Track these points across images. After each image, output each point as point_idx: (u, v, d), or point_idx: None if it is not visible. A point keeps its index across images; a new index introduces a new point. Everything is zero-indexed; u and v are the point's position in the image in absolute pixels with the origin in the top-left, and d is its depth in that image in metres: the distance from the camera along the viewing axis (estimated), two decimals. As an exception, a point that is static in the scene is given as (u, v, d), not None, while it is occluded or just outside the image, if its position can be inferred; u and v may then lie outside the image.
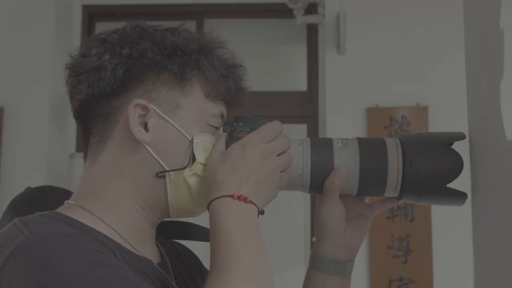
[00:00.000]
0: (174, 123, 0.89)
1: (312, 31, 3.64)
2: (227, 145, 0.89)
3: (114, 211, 0.88)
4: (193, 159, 0.89)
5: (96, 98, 0.89)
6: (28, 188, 1.72)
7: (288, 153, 0.91)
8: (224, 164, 0.87)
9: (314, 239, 3.29)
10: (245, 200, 0.84)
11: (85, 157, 0.94)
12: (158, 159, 0.88)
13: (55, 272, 0.72)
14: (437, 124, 3.17)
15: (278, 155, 0.89)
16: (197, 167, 0.89)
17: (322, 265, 0.99)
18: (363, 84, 3.27)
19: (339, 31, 3.21)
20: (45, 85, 3.26)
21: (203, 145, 0.90)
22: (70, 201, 0.90)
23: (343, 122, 3.23)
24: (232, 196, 0.84)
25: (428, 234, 3.13)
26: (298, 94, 3.65)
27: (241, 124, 0.92)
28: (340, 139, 0.94)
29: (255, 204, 0.85)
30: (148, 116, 0.88)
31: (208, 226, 0.86)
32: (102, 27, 3.71)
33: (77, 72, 0.90)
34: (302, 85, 3.67)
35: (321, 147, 0.92)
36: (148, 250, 0.92)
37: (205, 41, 0.92)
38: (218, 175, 0.86)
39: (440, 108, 3.21)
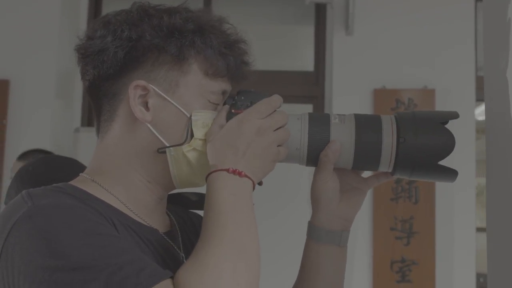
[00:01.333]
0: (173, 101, 0.93)
1: (320, 11, 3.61)
2: (227, 119, 0.93)
3: (122, 185, 0.94)
4: (191, 135, 0.93)
5: (101, 79, 0.94)
6: (35, 151, 1.73)
7: (285, 128, 0.93)
8: (222, 138, 0.91)
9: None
10: (239, 174, 0.88)
11: (97, 134, 0.99)
12: (159, 136, 0.93)
13: (51, 239, 0.78)
14: (444, 107, 3.16)
15: (275, 130, 0.92)
16: (196, 143, 0.93)
17: (317, 234, 1.03)
18: (371, 66, 3.25)
19: (348, 12, 3.18)
20: (51, 59, 3.25)
21: (203, 121, 0.94)
22: (84, 174, 0.97)
23: (349, 103, 3.22)
24: (227, 170, 0.87)
25: (431, 216, 3.13)
26: (304, 74, 3.64)
27: (242, 98, 0.95)
28: (338, 114, 0.98)
29: (250, 178, 0.89)
30: (148, 96, 0.93)
31: None
32: (109, 4, 3.70)
33: (83, 54, 0.95)
34: (309, 65, 3.65)
35: (319, 122, 0.96)
36: (156, 221, 0.97)
37: (203, 20, 0.95)
38: (216, 149, 0.90)
39: (446, 91, 3.20)
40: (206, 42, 0.93)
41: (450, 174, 0.93)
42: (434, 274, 3.12)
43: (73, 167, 1.72)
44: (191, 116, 0.93)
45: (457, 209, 3.19)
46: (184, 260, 0.95)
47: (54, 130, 3.25)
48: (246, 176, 0.88)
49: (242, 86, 0.99)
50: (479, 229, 3.22)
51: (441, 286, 3.14)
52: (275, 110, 0.93)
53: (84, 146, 3.16)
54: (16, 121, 3.19)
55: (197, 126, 0.93)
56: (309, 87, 3.54)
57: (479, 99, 3.35)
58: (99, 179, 0.94)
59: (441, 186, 3.15)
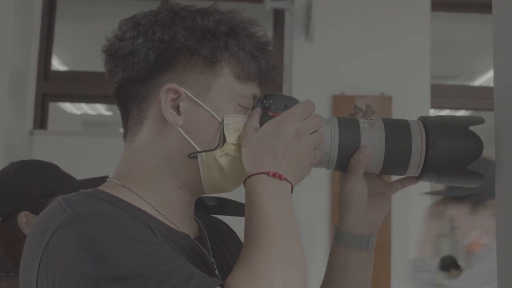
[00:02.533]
0: (205, 105, 0.91)
1: (278, 17, 3.62)
2: (261, 123, 0.92)
3: (152, 190, 0.93)
4: (223, 140, 0.92)
5: (131, 82, 0.92)
6: (12, 163, 1.69)
7: (320, 131, 0.93)
8: (259, 141, 0.90)
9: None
10: (280, 177, 0.87)
11: (124, 137, 0.97)
12: (190, 141, 0.92)
13: (93, 247, 0.75)
14: (401, 114, 3.21)
15: (311, 133, 0.91)
16: (228, 147, 0.92)
17: (346, 240, 1.02)
18: (330, 72, 3.28)
19: (308, 18, 3.20)
20: (3, 60, 3.16)
21: (234, 125, 0.92)
22: (113, 179, 0.94)
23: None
24: (267, 173, 0.87)
25: (387, 229, 3.17)
26: (263, 79, 3.64)
27: (271, 101, 0.94)
28: (366, 119, 0.98)
29: (289, 181, 0.88)
30: (180, 100, 0.91)
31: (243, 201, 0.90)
32: (63, 3, 3.62)
33: (112, 56, 0.93)
34: (267, 70, 3.65)
35: (348, 127, 0.96)
36: (186, 226, 0.96)
37: (235, 22, 0.94)
38: (253, 152, 0.89)
39: (403, 98, 3.25)
40: (239, 44, 0.92)
41: (477, 178, 0.94)
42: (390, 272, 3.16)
43: (55, 171, 1.68)
44: (223, 120, 0.91)
45: (412, 215, 3.24)
46: (215, 266, 0.95)
47: (7, 133, 3.16)
48: (285, 179, 0.87)
49: (270, 87, 0.98)
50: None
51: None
52: (310, 114, 0.93)
53: (38, 149, 3.08)
54: (-33, 123, 3.09)
55: (229, 130, 0.92)
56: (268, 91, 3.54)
57: (434, 107, 3.42)
58: (129, 184, 0.92)
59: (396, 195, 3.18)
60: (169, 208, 0.93)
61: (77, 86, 3.60)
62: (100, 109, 6.53)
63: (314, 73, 3.29)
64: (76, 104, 6.25)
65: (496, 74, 0.95)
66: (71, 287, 0.75)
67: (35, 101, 3.46)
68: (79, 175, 2.79)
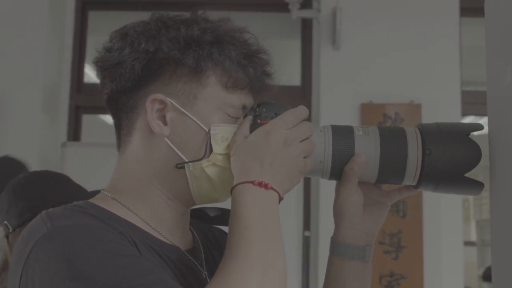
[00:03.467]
0: (191, 115, 0.91)
1: (306, 26, 3.63)
2: (251, 131, 0.91)
3: (141, 202, 0.92)
4: (210, 149, 0.91)
5: (119, 92, 0.92)
6: (25, 172, 1.72)
7: (311, 139, 0.91)
8: (246, 149, 0.88)
9: (306, 233, 3.31)
10: (265, 186, 0.85)
11: (118, 148, 0.97)
12: (177, 151, 0.91)
13: (71, 261, 0.75)
14: (430, 121, 3.16)
15: (301, 141, 0.90)
16: (215, 158, 0.91)
17: (342, 250, 1.00)
18: (358, 80, 3.26)
19: (334, 26, 3.20)
20: (37, 74, 3.24)
21: (222, 135, 0.91)
22: (105, 192, 0.94)
23: (336, 118, 3.23)
24: (253, 182, 0.85)
25: (419, 230, 3.14)
26: (291, 89, 3.65)
27: (264, 110, 0.93)
28: (361, 127, 0.96)
29: (276, 191, 0.86)
30: (166, 110, 0.91)
31: None
32: (95, 16, 3.70)
33: (101, 67, 0.94)
34: (295, 80, 3.66)
35: (342, 134, 0.94)
36: (177, 237, 0.95)
37: (221, 31, 0.93)
38: (241, 161, 0.88)
39: (433, 105, 3.21)
40: (225, 53, 0.91)
41: (476, 186, 0.91)
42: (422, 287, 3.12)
43: (66, 183, 1.71)
44: (209, 130, 0.90)
45: (445, 223, 3.20)
46: (207, 278, 0.94)
47: (41, 145, 3.23)
48: (272, 188, 0.85)
49: (265, 96, 0.97)
50: (466, 243, 3.23)
51: (429, 300, 3.14)
52: (300, 121, 0.91)
53: (70, 161, 3.13)
54: (2, 137, 3.17)
55: (216, 140, 0.91)
56: (296, 101, 3.53)
57: (465, 114, 3.37)
58: (120, 197, 0.92)
59: (428, 200, 3.15)
60: (159, 220, 0.92)
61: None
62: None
63: (342, 81, 3.28)
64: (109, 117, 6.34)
65: (489, 78, 0.94)
66: None
67: (68, 113, 3.53)
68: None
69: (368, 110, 3.21)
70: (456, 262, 3.20)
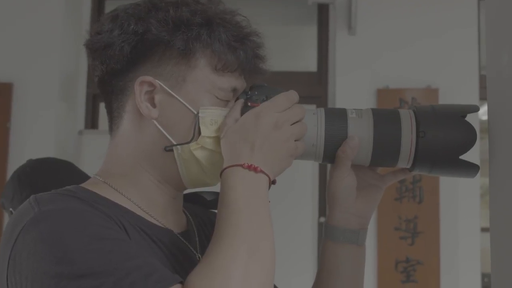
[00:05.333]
0: (180, 97, 0.90)
1: (323, 11, 3.61)
2: (242, 113, 0.90)
3: (133, 185, 0.92)
4: (199, 132, 0.90)
5: (109, 75, 0.92)
6: (30, 160, 1.74)
7: (303, 122, 0.90)
8: (236, 132, 0.87)
9: (322, 219, 3.31)
10: (255, 169, 0.84)
11: (110, 132, 0.96)
12: (165, 133, 0.90)
13: (56, 245, 0.76)
14: (447, 107, 3.15)
15: (292, 124, 0.89)
16: (204, 140, 0.90)
17: (334, 234, 1.00)
18: (374, 65, 3.25)
19: (350, 11, 3.18)
20: (54, 61, 3.26)
21: (211, 118, 0.90)
22: (97, 176, 0.94)
23: (352, 103, 3.18)
24: (242, 166, 0.84)
25: (435, 216, 3.13)
26: (307, 75, 3.63)
27: (256, 92, 0.92)
28: (354, 109, 0.94)
29: (266, 174, 0.85)
30: (155, 92, 0.90)
31: None
32: (112, 5, 3.70)
33: (91, 50, 0.93)
34: (312, 65, 3.65)
35: (335, 117, 0.93)
36: (170, 220, 0.94)
37: (212, 13, 0.91)
38: (230, 144, 0.87)
39: (450, 90, 3.19)
40: (214, 35, 0.90)
41: (471, 169, 0.91)
42: (439, 273, 3.11)
43: (71, 171, 1.73)
44: (198, 113, 0.89)
45: (462, 209, 3.18)
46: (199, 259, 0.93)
47: (58, 133, 3.25)
48: (262, 171, 0.84)
49: (260, 79, 0.96)
50: (483, 229, 3.21)
51: (446, 285, 3.13)
52: (292, 104, 0.90)
53: (88, 149, 3.16)
54: (19, 124, 3.20)
55: (205, 123, 0.90)
56: (312, 87, 3.54)
57: (483, 98, 3.34)
58: (111, 181, 0.92)
59: (445, 186, 3.14)
60: (151, 203, 0.92)
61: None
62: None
63: (358, 67, 3.26)
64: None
65: (488, 63, 0.93)
66: (36, 285, 0.76)
67: (85, 101, 3.55)
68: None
69: (384, 95, 3.19)
70: (473, 248, 3.18)
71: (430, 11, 3.26)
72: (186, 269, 0.80)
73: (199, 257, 0.94)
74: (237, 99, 0.93)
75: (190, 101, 0.90)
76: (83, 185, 0.91)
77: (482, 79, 3.25)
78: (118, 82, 0.92)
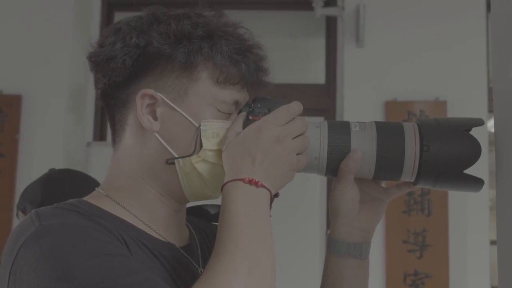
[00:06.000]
0: (182, 110, 0.90)
1: (331, 24, 3.61)
2: (244, 127, 0.89)
3: (134, 199, 0.92)
4: (200, 145, 0.90)
5: (112, 87, 0.92)
6: (54, 169, 1.75)
7: (305, 135, 0.90)
8: (238, 146, 0.87)
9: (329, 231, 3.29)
10: (256, 184, 0.84)
11: (113, 144, 0.96)
12: (167, 146, 0.90)
13: (58, 260, 0.75)
14: (456, 119, 3.14)
15: (294, 137, 0.88)
16: (205, 154, 0.90)
17: (336, 248, 0.99)
18: (382, 78, 3.24)
19: (358, 24, 3.18)
20: (63, 74, 3.27)
21: (212, 131, 0.90)
22: (99, 189, 0.94)
23: (361, 116, 3.19)
24: (243, 180, 0.84)
25: (444, 229, 3.11)
26: (316, 87, 3.63)
27: (259, 105, 0.92)
28: (358, 122, 0.94)
29: (267, 189, 0.85)
30: (156, 105, 0.90)
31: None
32: (121, 17, 3.73)
33: (94, 62, 0.93)
34: (320, 78, 3.65)
35: (338, 130, 0.92)
36: (172, 234, 0.94)
37: (213, 26, 0.92)
38: (232, 158, 0.87)
39: (458, 103, 3.18)
40: (216, 48, 0.90)
41: (476, 183, 0.90)
42: (447, 287, 3.08)
43: (89, 181, 1.74)
44: (199, 126, 0.89)
45: (471, 222, 3.16)
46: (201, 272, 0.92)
47: (67, 145, 3.26)
48: (263, 186, 0.84)
49: (262, 92, 0.96)
50: (492, 242, 3.19)
51: (455, 299, 3.11)
52: (294, 117, 0.90)
53: (96, 160, 3.17)
54: (28, 136, 3.21)
55: (206, 136, 0.89)
56: (321, 99, 3.54)
57: (492, 111, 3.33)
58: (113, 194, 0.91)
59: (454, 198, 3.12)
60: (153, 217, 0.92)
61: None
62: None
63: (366, 79, 3.26)
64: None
65: (495, 75, 0.92)
66: None
67: (94, 113, 3.56)
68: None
69: (392, 108, 3.18)
70: (482, 261, 3.16)
71: (438, 23, 3.25)
72: (188, 284, 0.80)
73: (201, 271, 0.93)
74: (240, 112, 0.93)
75: (191, 114, 0.90)
76: (85, 198, 0.91)
77: (491, 91, 3.23)
78: (120, 95, 0.92)
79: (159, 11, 0.93)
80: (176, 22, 0.90)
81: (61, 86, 3.26)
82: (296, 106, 0.91)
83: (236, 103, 0.93)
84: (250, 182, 0.84)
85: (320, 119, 3.28)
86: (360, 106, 3.24)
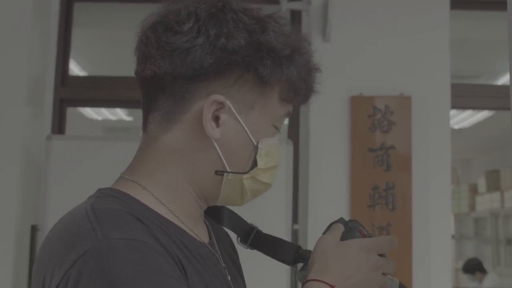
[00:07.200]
0: (245, 125, 0.88)
1: (296, 18, 3.59)
2: (344, 235, 0.90)
3: (173, 195, 0.89)
4: (254, 164, 0.90)
5: (173, 77, 0.87)
6: None
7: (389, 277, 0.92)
8: (338, 253, 0.87)
9: (295, 226, 3.29)
10: None
11: (144, 129, 0.92)
12: (223, 158, 0.88)
13: (116, 285, 0.71)
14: (420, 114, 3.16)
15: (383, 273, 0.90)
16: (257, 172, 0.90)
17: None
18: (348, 72, 3.24)
19: (325, 19, 3.17)
20: (22, 67, 3.17)
21: (266, 149, 0.90)
22: (126, 176, 0.90)
23: (326, 110, 3.21)
24: (332, 287, 0.84)
25: (408, 223, 3.13)
26: (280, 81, 3.61)
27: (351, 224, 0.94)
28: None
29: None
30: (221, 112, 0.87)
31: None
32: (80, 8, 3.63)
33: (162, 47, 0.87)
34: (284, 72, 3.63)
35: None
36: (200, 232, 0.94)
37: (297, 45, 0.90)
38: (326, 261, 0.87)
39: (423, 98, 3.20)
40: (294, 67, 0.88)
41: None
42: (411, 280, 3.11)
43: None
44: (257, 144, 0.89)
45: (433, 216, 3.19)
46: (226, 271, 0.94)
47: (25, 138, 3.17)
48: None
49: None
50: (453, 236, 3.23)
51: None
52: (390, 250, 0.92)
53: (56, 154, 3.08)
54: (-15, 129, 3.10)
55: (261, 155, 0.89)
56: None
57: (454, 107, 3.36)
58: (147, 184, 0.89)
59: (418, 193, 3.14)
60: (188, 216, 0.91)
61: (95, 91, 3.60)
62: (121, 114, 6.55)
63: (332, 73, 3.25)
64: (97, 110, 6.29)
65: None
66: None
67: (53, 106, 3.47)
68: (97, 180, 2.77)
69: (358, 103, 3.19)
70: (444, 255, 3.19)
71: (403, 19, 3.27)
72: (220, 281, 0.82)
73: (224, 267, 0.95)
74: (336, 222, 0.94)
75: (252, 130, 0.89)
76: (123, 189, 0.88)
77: (454, 87, 3.27)
78: (180, 88, 0.87)
79: (240, 9, 0.89)
80: (262, 31, 0.87)
81: (20, 79, 3.16)
82: (396, 243, 0.93)
83: (288, 116, 0.93)
84: None
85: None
86: (326, 100, 3.22)
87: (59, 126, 3.49)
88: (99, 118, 6.63)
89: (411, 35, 3.26)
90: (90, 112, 6.29)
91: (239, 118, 0.88)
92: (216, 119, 0.88)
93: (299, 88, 0.90)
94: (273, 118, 0.91)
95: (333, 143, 3.17)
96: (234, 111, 0.87)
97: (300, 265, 0.99)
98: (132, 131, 7.44)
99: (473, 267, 6.20)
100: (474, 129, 7.19)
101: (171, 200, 0.89)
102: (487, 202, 8.44)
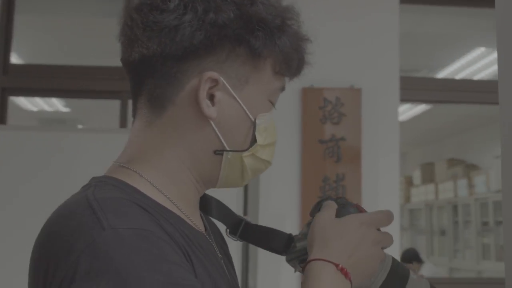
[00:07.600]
0: (240, 100, 0.85)
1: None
2: (340, 214, 0.88)
3: (171, 181, 0.86)
4: (254, 140, 0.86)
5: (163, 58, 0.82)
6: None
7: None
8: (338, 230, 0.86)
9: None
10: (346, 275, 0.83)
11: (133, 115, 0.88)
12: (220, 137, 0.85)
13: (128, 280, 0.68)
14: (370, 107, 3.21)
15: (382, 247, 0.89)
16: (256, 149, 0.87)
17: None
18: (299, 64, 3.24)
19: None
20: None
21: (264, 125, 0.87)
22: (122, 164, 0.85)
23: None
24: (337, 266, 0.83)
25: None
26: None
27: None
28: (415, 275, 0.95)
29: (351, 282, 0.84)
30: (215, 89, 0.83)
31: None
32: (22, 1, 3.48)
33: (149, 27, 0.83)
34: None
35: (399, 274, 0.92)
36: (197, 220, 0.90)
37: (286, 15, 0.87)
38: (329, 238, 0.85)
39: (372, 91, 3.24)
40: (285, 38, 0.86)
41: None
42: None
43: None
44: (255, 120, 0.86)
45: (382, 208, 3.23)
46: (222, 261, 0.90)
47: (-35, 128, 3.02)
48: (350, 281, 0.84)
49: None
50: (403, 228, 3.29)
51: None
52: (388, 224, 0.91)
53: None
54: None
55: (259, 131, 0.86)
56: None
57: (403, 100, 3.43)
58: (144, 172, 0.84)
59: (367, 185, 3.19)
60: (186, 202, 0.87)
61: (37, 79, 3.47)
62: (58, 105, 6.37)
63: (284, 65, 3.26)
64: (32, 100, 6.09)
65: (500, 69, 0.92)
66: None
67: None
68: (39, 171, 2.68)
69: (309, 94, 3.20)
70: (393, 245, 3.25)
71: (353, 11, 3.31)
72: (219, 272, 0.80)
73: (220, 257, 0.92)
74: (325, 199, 0.92)
75: (249, 106, 0.86)
76: (119, 177, 0.83)
77: (402, 80, 3.33)
78: (171, 69, 0.83)
79: None
80: (252, 4, 0.84)
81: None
82: (393, 217, 0.92)
83: (282, 90, 0.91)
84: (342, 270, 0.83)
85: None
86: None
87: (0, 116, 3.35)
88: (35, 109, 6.43)
89: (360, 27, 3.30)
90: (25, 103, 6.09)
91: (234, 94, 0.85)
92: (211, 97, 0.84)
93: (292, 59, 0.88)
94: (268, 92, 0.88)
95: (284, 134, 3.18)
96: (229, 87, 0.84)
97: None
98: (69, 122, 7.24)
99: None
100: (411, 123, 7.38)
101: (171, 187, 0.86)
102: (422, 194, 8.70)
